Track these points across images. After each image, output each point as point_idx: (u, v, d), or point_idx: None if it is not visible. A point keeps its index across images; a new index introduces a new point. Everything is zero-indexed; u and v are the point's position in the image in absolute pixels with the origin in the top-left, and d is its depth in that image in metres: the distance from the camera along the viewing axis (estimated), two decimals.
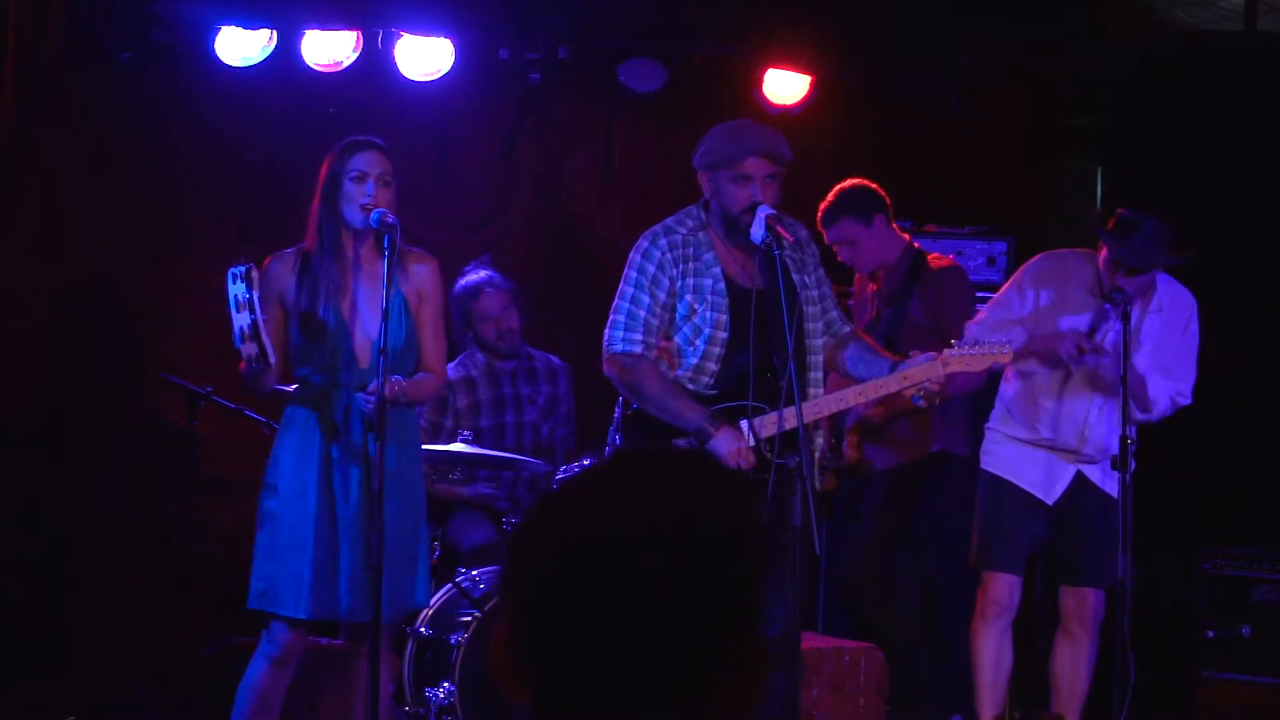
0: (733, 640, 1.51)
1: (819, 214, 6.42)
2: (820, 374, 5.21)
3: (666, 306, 5.13)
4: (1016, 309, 5.88)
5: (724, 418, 5.04)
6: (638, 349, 5.10)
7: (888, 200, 6.45)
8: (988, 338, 5.27)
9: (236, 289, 4.85)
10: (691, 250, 5.14)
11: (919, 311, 6.39)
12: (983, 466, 6.01)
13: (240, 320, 4.86)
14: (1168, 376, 5.82)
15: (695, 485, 1.54)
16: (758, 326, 5.04)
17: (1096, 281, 5.80)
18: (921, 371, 5.05)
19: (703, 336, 5.10)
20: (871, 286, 6.58)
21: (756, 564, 1.54)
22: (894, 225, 6.49)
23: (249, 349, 4.87)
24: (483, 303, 6.70)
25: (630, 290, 5.15)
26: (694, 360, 5.11)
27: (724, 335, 5.10)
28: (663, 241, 5.15)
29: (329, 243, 5.11)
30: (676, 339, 5.14)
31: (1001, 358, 5.18)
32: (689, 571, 1.49)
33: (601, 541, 1.50)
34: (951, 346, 5.10)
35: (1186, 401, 5.88)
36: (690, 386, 5.11)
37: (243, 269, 4.85)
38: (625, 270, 5.17)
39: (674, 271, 5.11)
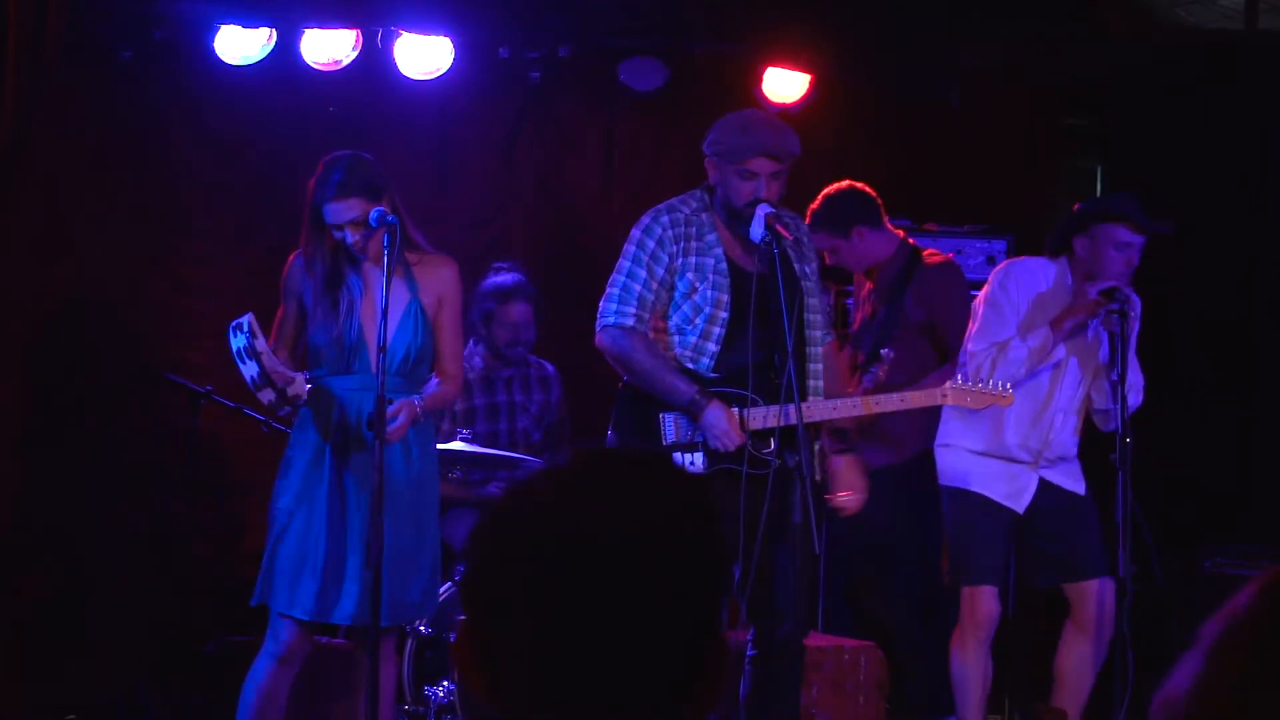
0: (690, 639, 1.51)
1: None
2: (820, 366, 5.19)
3: (664, 284, 5.11)
4: (1010, 318, 5.81)
5: (717, 396, 5.04)
6: (630, 322, 5.09)
7: (877, 200, 6.42)
8: (988, 364, 5.63)
9: (238, 341, 4.85)
10: (694, 230, 5.12)
11: (913, 308, 6.39)
12: (945, 483, 5.89)
13: (249, 371, 4.87)
14: (1133, 372, 5.74)
15: (652, 486, 1.53)
16: (758, 316, 5.02)
17: (1065, 281, 5.77)
18: (921, 397, 5.29)
19: (703, 315, 5.08)
20: (868, 285, 6.58)
21: (713, 565, 1.53)
22: (885, 224, 6.47)
23: (266, 395, 4.89)
24: (511, 308, 6.63)
25: (628, 264, 5.13)
26: (693, 339, 5.09)
27: (724, 315, 5.07)
28: (665, 219, 5.14)
29: (340, 249, 5.09)
30: (675, 317, 5.12)
31: (1002, 400, 5.35)
32: (645, 571, 1.49)
33: (557, 541, 1.50)
34: (952, 375, 5.34)
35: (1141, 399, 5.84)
36: (690, 366, 5.10)
37: (244, 320, 4.86)
38: (625, 245, 5.16)
39: (674, 249, 5.10)
